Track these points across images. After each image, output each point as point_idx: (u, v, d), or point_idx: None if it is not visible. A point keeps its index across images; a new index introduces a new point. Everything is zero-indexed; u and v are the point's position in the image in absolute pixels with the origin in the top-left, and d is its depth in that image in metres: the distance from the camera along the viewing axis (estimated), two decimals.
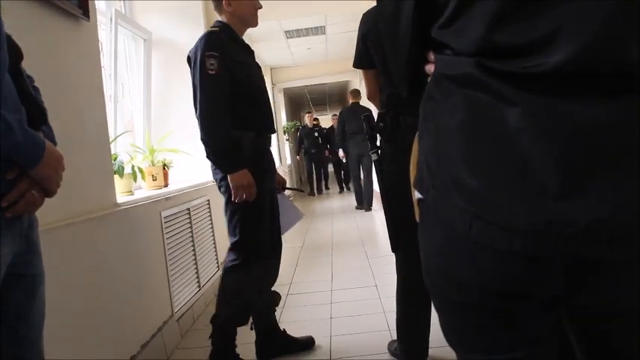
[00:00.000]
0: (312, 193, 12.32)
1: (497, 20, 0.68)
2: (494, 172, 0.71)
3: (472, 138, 0.73)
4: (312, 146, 12.12)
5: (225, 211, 2.58)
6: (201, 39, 2.48)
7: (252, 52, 2.76)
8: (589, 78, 0.64)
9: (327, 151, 12.39)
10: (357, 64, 2.46)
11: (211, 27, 2.59)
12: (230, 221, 2.57)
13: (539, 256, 0.70)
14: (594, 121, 0.64)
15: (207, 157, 2.49)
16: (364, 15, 2.40)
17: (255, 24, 2.69)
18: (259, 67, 2.79)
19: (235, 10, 2.57)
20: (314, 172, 12.56)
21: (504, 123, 0.69)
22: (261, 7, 2.65)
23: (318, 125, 12.57)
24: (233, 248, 2.59)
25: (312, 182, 12.46)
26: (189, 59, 2.51)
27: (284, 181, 2.96)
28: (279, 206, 2.81)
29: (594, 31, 0.62)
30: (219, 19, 2.62)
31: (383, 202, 2.31)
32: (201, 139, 2.45)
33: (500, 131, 0.69)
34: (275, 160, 2.96)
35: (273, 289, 2.83)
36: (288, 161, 12.63)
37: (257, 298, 2.66)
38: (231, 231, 2.58)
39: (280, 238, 2.82)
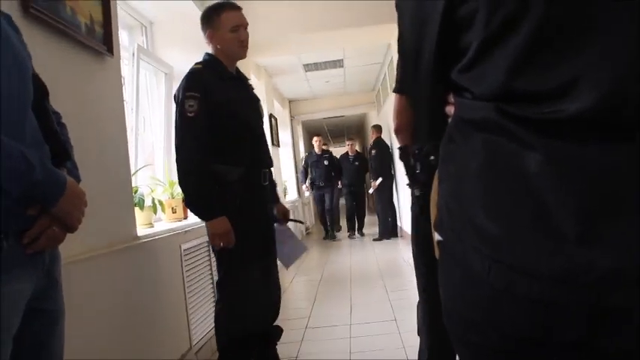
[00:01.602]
0: (328, 236, 9.79)
1: (518, 67, 0.69)
2: (513, 217, 0.71)
3: (491, 182, 0.74)
4: (321, 177, 9.85)
5: (212, 249, 2.58)
6: (183, 78, 2.48)
7: (245, 85, 2.73)
8: (608, 124, 0.64)
9: (339, 182, 10.21)
10: (401, 87, 2.10)
11: (196, 63, 2.57)
12: (218, 260, 2.58)
13: (559, 302, 0.69)
14: (613, 167, 0.64)
15: (184, 203, 2.49)
16: None
17: (242, 56, 2.64)
18: (255, 99, 2.75)
19: (218, 43, 2.56)
20: (327, 208, 9.94)
21: (523, 167, 0.69)
22: (245, 38, 2.59)
23: (328, 152, 10.27)
24: (217, 285, 2.59)
25: (326, 222, 9.96)
26: (175, 97, 2.50)
27: (287, 212, 2.93)
28: (279, 239, 2.78)
29: (616, 78, 0.63)
30: (209, 51, 2.61)
31: (416, 235, 2.23)
32: (179, 185, 2.45)
33: (519, 175, 0.69)
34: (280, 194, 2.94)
35: (285, 322, 2.80)
36: (307, 194, 11.13)
37: (254, 335, 2.60)
38: (218, 270, 2.58)
39: (277, 273, 2.78)
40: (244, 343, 2.55)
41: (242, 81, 2.71)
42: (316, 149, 9.94)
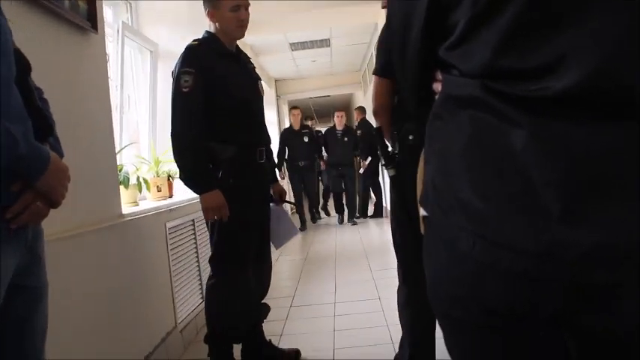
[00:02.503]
0: (303, 227, 8.21)
1: (504, 45, 0.69)
2: (498, 193, 0.72)
3: (477, 158, 0.74)
4: (301, 156, 8.40)
5: (206, 223, 2.59)
6: (181, 54, 2.49)
7: (245, 63, 2.73)
8: (594, 103, 0.65)
9: (322, 162, 9.12)
10: (382, 72, 2.22)
11: (193, 40, 2.57)
12: (210, 235, 2.58)
13: (542, 278, 0.71)
14: (598, 146, 0.65)
15: (179, 177, 2.50)
16: None
17: (240, 36, 2.64)
18: (255, 78, 2.75)
19: (218, 21, 2.55)
20: (304, 192, 8.62)
21: (509, 144, 0.69)
22: (245, 18, 2.59)
23: (308, 128, 8.88)
24: (210, 262, 2.60)
25: (303, 210, 8.52)
26: (172, 74, 2.51)
27: (284, 193, 2.93)
28: (274, 219, 2.79)
29: (602, 57, 0.63)
30: (208, 29, 2.61)
31: (397, 217, 2.27)
32: (174, 158, 2.46)
33: (505, 152, 0.70)
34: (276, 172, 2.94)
35: (270, 300, 2.81)
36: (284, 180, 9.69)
37: (244, 313, 2.61)
38: (211, 244, 2.59)
39: (268, 251, 2.79)
40: (234, 320, 2.57)
41: (241, 60, 2.70)
42: (293, 124, 8.52)
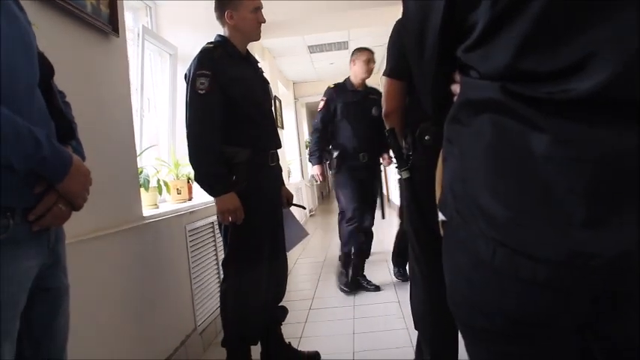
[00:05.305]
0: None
1: (525, 47, 0.68)
2: (519, 200, 0.70)
3: (498, 164, 0.72)
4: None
5: (219, 226, 2.59)
6: (195, 57, 2.49)
7: (255, 66, 2.73)
8: (618, 105, 0.63)
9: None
10: (394, 74, 2.19)
11: (207, 43, 2.57)
12: (224, 238, 2.58)
13: (564, 287, 0.69)
14: (623, 149, 0.63)
15: (194, 179, 2.50)
16: (397, 22, 2.26)
17: (257, 38, 2.66)
18: (264, 81, 2.75)
19: (237, 23, 2.55)
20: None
21: (530, 149, 0.68)
22: (264, 22, 2.61)
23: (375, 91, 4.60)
24: (223, 265, 2.60)
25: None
26: (186, 77, 2.51)
27: (291, 196, 2.93)
28: (284, 222, 2.78)
29: (627, 58, 0.61)
30: (221, 32, 2.61)
31: (413, 227, 2.19)
32: (189, 161, 2.46)
33: (526, 158, 0.68)
34: (284, 176, 2.93)
35: (289, 303, 2.80)
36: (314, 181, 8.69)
37: (259, 315, 2.60)
38: (224, 248, 2.59)
39: (284, 254, 2.78)
40: (250, 322, 2.56)
41: (252, 63, 2.71)
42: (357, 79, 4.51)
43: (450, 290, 0.86)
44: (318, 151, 4.46)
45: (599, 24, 0.62)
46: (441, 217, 0.88)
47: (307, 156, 5.07)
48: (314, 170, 4.67)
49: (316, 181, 7.63)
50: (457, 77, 0.84)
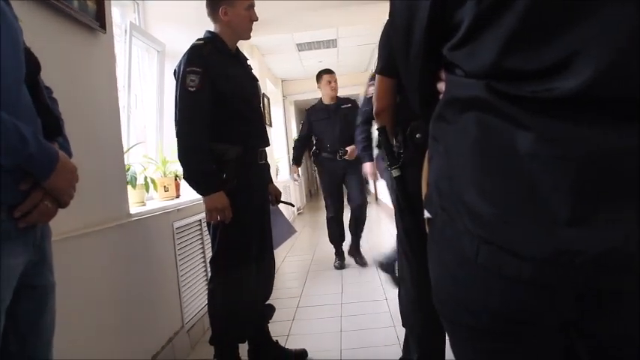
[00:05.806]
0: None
1: (510, 45, 0.68)
2: (504, 198, 0.70)
3: (484, 162, 0.73)
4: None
5: (207, 224, 2.59)
6: (185, 54, 2.47)
7: (244, 64, 2.72)
8: (603, 103, 0.63)
9: None
10: (388, 71, 2.14)
11: (197, 39, 2.56)
12: (212, 236, 2.57)
13: (549, 284, 0.70)
14: (608, 147, 0.63)
15: (183, 177, 2.49)
16: (387, 22, 2.28)
17: (248, 37, 2.65)
18: (253, 79, 2.74)
19: (231, 19, 2.53)
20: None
21: (516, 147, 0.68)
22: (256, 19, 2.61)
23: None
24: (211, 263, 2.59)
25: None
26: (175, 73, 2.50)
27: (279, 194, 2.92)
28: (272, 220, 2.77)
29: (612, 57, 0.61)
30: (210, 29, 2.60)
31: (403, 224, 2.20)
32: (179, 159, 2.45)
33: (511, 155, 0.69)
34: (272, 174, 2.92)
35: (276, 301, 2.80)
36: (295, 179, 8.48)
37: (247, 313, 2.59)
38: (212, 246, 2.58)
39: (271, 251, 2.77)
40: (239, 320, 2.56)
41: (241, 60, 2.70)
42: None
43: (435, 287, 0.87)
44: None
45: (584, 22, 0.63)
46: (426, 214, 0.88)
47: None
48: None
49: (295, 180, 8.02)
50: (443, 75, 0.84)
